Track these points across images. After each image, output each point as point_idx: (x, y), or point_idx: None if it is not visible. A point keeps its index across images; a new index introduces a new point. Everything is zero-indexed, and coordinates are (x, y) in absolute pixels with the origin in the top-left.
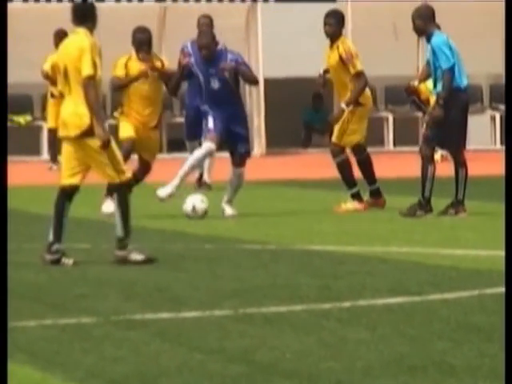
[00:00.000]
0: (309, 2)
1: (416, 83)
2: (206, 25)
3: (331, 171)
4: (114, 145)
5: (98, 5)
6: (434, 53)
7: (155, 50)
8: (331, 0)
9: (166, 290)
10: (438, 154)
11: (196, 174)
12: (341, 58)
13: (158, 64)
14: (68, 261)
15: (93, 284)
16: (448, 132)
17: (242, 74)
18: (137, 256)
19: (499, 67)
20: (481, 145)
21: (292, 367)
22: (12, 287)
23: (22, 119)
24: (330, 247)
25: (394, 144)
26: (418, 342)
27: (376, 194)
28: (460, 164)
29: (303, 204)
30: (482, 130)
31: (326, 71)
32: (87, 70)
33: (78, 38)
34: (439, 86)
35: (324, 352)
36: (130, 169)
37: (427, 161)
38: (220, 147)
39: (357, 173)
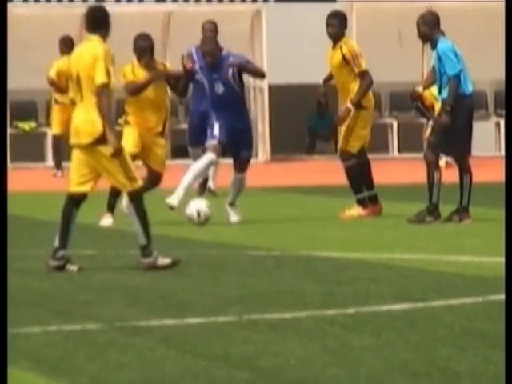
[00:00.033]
0: (309, 2)
1: (421, 89)
2: (211, 30)
3: (335, 177)
4: (125, 153)
5: None
6: (439, 59)
7: (159, 56)
8: (331, 0)
9: (170, 297)
10: (443, 161)
11: (199, 180)
12: (344, 58)
13: (161, 68)
14: (73, 267)
15: (97, 290)
16: (453, 138)
17: (249, 69)
18: (164, 260)
19: (504, 74)
20: (485, 151)
21: (296, 373)
22: (16, 293)
23: (26, 126)
24: (334, 253)
25: (399, 150)
26: (422, 348)
27: (373, 200)
28: (465, 170)
29: (307, 210)
30: (487, 136)
31: (326, 80)
32: (101, 78)
33: (92, 45)
34: (444, 93)
35: (328, 358)
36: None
37: (433, 167)
38: (224, 153)
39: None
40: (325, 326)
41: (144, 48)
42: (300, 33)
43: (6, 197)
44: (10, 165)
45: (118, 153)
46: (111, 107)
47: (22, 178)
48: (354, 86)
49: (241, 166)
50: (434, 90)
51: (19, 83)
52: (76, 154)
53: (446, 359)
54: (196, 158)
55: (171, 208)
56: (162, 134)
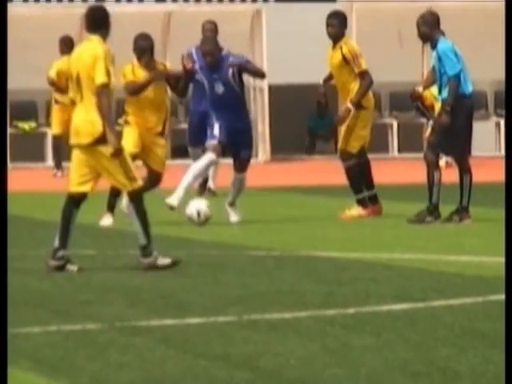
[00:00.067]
0: (309, 2)
1: (421, 89)
2: (211, 30)
3: (335, 177)
4: (125, 153)
5: None
6: (439, 59)
7: (159, 56)
8: (331, 0)
9: (170, 297)
10: (443, 161)
11: (199, 180)
12: (344, 57)
13: (161, 68)
14: (73, 267)
15: (97, 290)
16: (453, 138)
17: (249, 69)
18: (164, 260)
19: (504, 74)
20: (485, 151)
21: (296, 373)
22: (16, 293)
23: (26, 126)
24: (334, 253)
25: (399, 150)
26: (422, 348)
27: (373, 200)
28: (465, 170)
29: (307, 210)
30: (487, 136)
31: (326, 80)
32: (101, 78)
33: (92, 45)
34: (444, 93)
35: (328, 358)
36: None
37: (432, 167)
38: (224, 153)
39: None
40: (325, 326)
41: (144, 48)
42: (300, 33)
43: (6, 197)
44: (10, 165)
45: (118, 153)
46: (111, 107)
47: (22, 177)
48: (354, 86)
49: (241, 166)
50: (434, 90)
51: (19, 83)
52: (76, 154)
53: (446, 359)
54: (196, 158)
55: (171, 208)
56: (162, 133)
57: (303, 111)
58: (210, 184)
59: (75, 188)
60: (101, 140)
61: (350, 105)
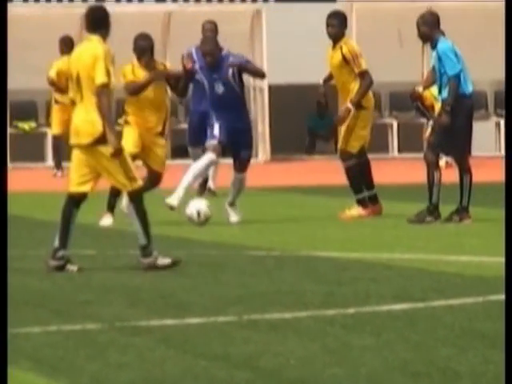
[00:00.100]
0: (309, 2)
1: (421, 89)
2: (211, 30)
3: (335, 177)
4: (125, 153)
5: None
6: (439, 59)
7: (159, 56)
8: (331, 0)
9: (170, 297)
10: (443, 161)
11: (199, 180)
12: (344, 57)
13: (161, 68)
14: (73, 267)
15: (97, 290)
16: (453, 138)
17: (249, 69)
18: (164, 260)
19: (504, 74)
20: (485, 151)
21: (296, 373)
22: (16, 293)
23: (26, 126)
24: (334, 253)
25: (399, 150)
26: (422, 348)
27: (373, 200)
28: (465, 170)
29: (307, 210)
30: (487, 136)
31: (326, 80)
32: (101, 78)
33: (92, 45)
34: (444, 93)
35: (328, 358)
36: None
37: (432, 167)
38: (224, 153)
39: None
40: (325, 326)
41: (144, 48)
42: (300, 33)
43: (6, 197)
44: (10, 165)
45: (118, 153)
46: (111, 107)
47: (22, 177)
48: (354, 86)
49: (241, 165)
50: (434, 90)
51: (19, 83)
52: (76, 154)
53: (446, 359)
54: (196, 158)
55: (171, 208)
56: (162, 133)
57: (303, 111)
58: (210, 184)
59: (75, 188)
60: (101, 140)
61: (349, 105)
